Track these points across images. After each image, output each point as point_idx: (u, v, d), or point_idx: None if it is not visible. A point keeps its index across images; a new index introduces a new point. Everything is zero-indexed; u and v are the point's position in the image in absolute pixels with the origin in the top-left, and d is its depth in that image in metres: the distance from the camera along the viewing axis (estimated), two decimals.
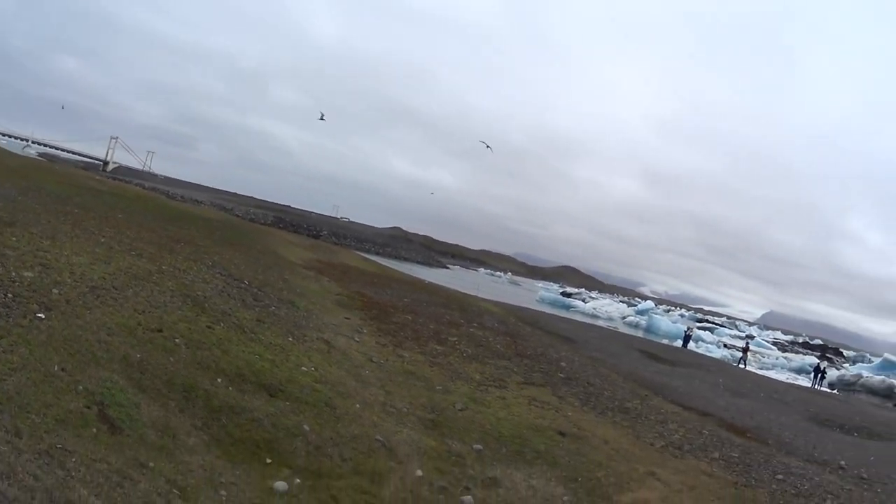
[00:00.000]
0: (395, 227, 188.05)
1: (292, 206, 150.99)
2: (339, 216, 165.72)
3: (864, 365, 79.08)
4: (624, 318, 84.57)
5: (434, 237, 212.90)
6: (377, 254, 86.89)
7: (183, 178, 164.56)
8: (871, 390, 51.55)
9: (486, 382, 14.80)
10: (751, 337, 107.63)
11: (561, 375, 17.72)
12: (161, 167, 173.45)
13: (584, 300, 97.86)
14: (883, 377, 56.65)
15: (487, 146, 38.35)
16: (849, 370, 65.62)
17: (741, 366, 45.42)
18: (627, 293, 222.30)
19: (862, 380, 54.15)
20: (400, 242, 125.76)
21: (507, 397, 14.10)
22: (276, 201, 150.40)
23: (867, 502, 13.19)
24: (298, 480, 7.38)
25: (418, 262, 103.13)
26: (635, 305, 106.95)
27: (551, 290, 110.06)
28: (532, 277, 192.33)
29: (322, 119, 40.36)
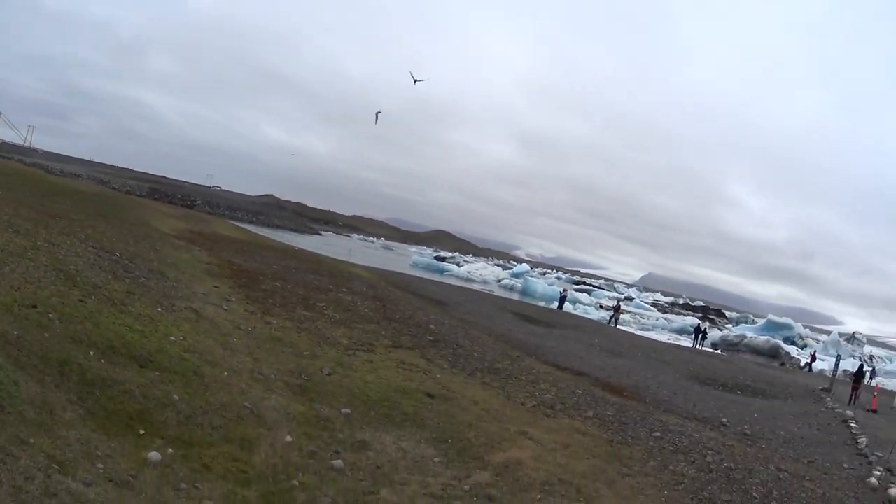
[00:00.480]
0: (267, 195, 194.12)
1: (168, 176, 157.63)
2: (211, 185, 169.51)
3: (748, 326, 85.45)
4: (499, 281, 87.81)
5: (307, 204, 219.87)
6: (250, 222, 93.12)
7: (64, 152, 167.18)
8: (756, 350, 55.41)
9: (353, 347, 15.58)
10: (630, 298, 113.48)
11: (430, 338, 18.56)
12: (42, 142, 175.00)
13: (458, 264, 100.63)
14: (768, 337, 61.17)
15: (378, 112, 38.54)
16: (732, 331, 70.38)
17: (612, 324, 47.96)
18: (502, 256, 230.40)
19: (746, 340, 58.16)
20: (272, 210, 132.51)
21: (375, 361, 14.85)
22: (153, 172, 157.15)
23: (750, 458, 14.18)
24: (171, 450, 7.86)
25: (291, 230, 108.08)
26: (511, 269, 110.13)
27: (425, 254, 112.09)
28: (406, 242, 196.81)
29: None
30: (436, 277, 63.76)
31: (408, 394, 13.01)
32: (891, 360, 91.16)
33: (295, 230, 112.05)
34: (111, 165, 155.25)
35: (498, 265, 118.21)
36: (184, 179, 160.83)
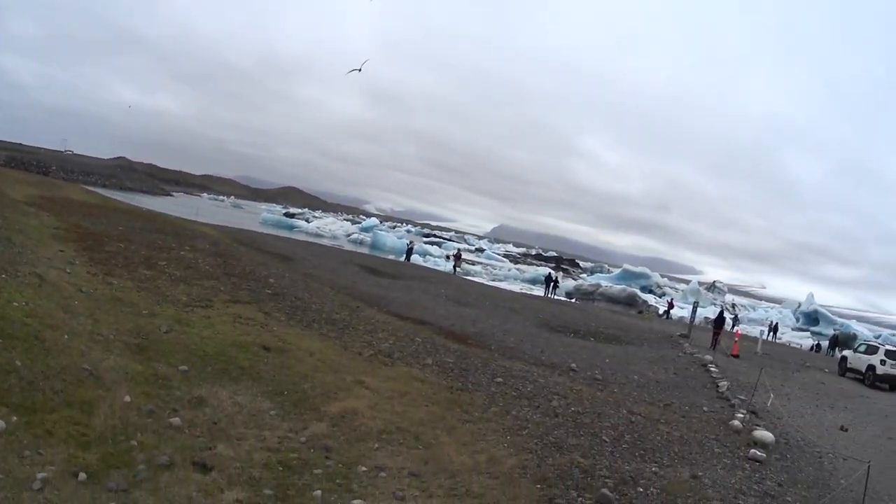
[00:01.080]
0: (120, 158, 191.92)
1: (24, 143, 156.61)
2: (64, 150, 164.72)
3: (603, 275, 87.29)
4: (349, 235, 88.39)
5: (158, 165, 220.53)
6: (103, 186, 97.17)
7: None
8: (612, 299, 56.82)
9: (192, 303, 15.50)
10: (480, 250, 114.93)
11: (269, 292, 18.32)
12: None
13: (307, 220, 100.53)
14: (624, 286, 62.76)
15: (359, 70, 35.53)
16: (587, 280, 71.74)
17: (455, 273, 48.04)
18: (352, 211, 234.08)
19: (601, 289, 59.46)
20: (125, 173, 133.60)
21: (212, 316, 14.76)
22: (9, 140, 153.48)
23: (600, 402, 14.35)
24: (15, 418, 7.87)
25: (143, 192, 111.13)
26: (360, 223, 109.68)
27: (274, 211, 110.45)
28: (255, 200, 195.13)
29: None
30: (284, 234, 63.68)
31: (244, 347, 12.90)
32: (753, 308, 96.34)
33: (147, 192, 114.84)
34: None
35: (347, 220, 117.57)
36: (39, 146, 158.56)
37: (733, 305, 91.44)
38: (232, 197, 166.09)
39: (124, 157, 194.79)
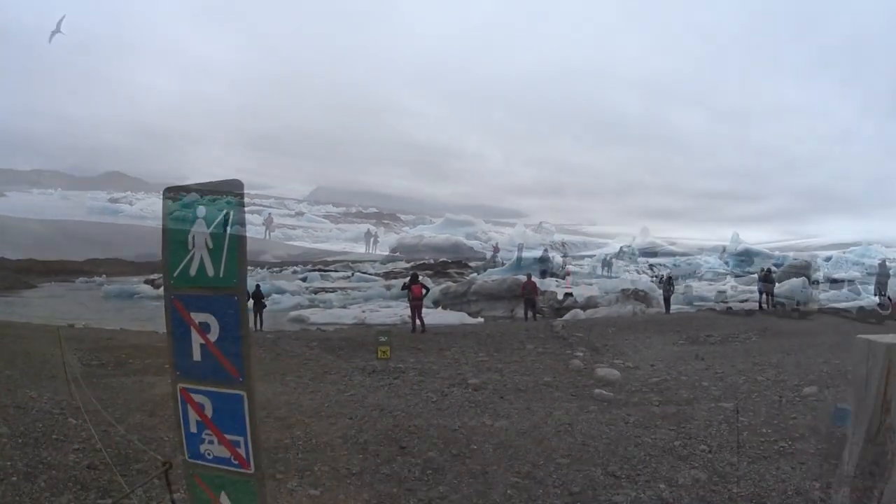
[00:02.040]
0: None
1: None
2: None
3: (426, 226, 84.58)
4: None
5: (36, 258, 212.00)
6: None
7: None
8: (491, 295, 50.21)
9: None
10: (301, 214, 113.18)
11: None
12: None
13: (160, 285, 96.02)
14: (503, 277, 56.80)
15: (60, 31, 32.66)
16: (409, 233, 68.09)
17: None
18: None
19: (475, 286, 53.93)
20: None
21: None
22: None
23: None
24: None
25: (5, 288, 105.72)
26: None
27: (133, 282, 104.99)
28: (140, 273, 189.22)
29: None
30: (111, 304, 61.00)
31: None
32: (675, 266, 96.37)
33: (7, 287, 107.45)
34: None
35: None
36: None
37: (563, 244, 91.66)
38: (104, 276, 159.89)
39: None
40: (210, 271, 3.15)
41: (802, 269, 63.75)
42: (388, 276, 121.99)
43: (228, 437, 3.23)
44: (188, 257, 3.18)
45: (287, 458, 9.29)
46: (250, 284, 30.76)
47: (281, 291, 75.80)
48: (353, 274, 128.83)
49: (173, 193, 3.34)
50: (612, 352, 18.99)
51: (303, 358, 19.06)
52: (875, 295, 36.52)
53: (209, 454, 3.31)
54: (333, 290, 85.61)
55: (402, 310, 45.51)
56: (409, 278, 27.30)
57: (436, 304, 52.00)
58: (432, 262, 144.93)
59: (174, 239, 3.25)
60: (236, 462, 3.24)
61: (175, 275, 3.30)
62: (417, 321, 25.14)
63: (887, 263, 38.31)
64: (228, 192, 3.07)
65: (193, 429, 3.36)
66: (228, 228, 3.04)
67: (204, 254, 3.13)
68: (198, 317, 3.20)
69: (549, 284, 55.66)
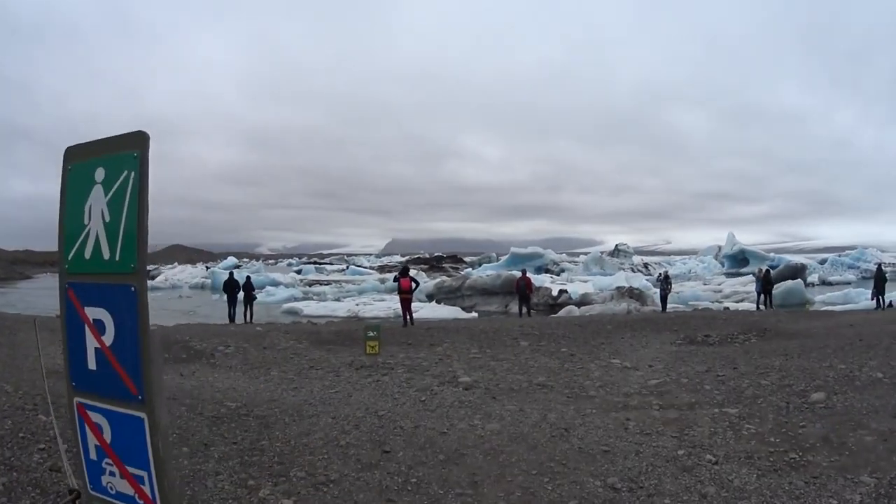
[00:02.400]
0: None
1: None
2: None
3: (490, 265, 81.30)
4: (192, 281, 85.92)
5: (34, 249, 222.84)
6: None
7: None
8: (486, 290, 50.77)
9: None
10: (345, 268, 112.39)
11: None
12: None
13: (153, 277, 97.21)
14: (497, 272, 55.82)
15: None
16: (469, 273, 65.13)
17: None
18: (245, 256, 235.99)
19: (469, 281, 53.39)
20: None
21: None
22: None
23: None
24: None
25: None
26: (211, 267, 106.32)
27: None
28: None
29: None
30: None
31: None
32: (671, 264, 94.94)
33: (2, 279, 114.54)
34: None
35: (208, 266, 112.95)
36: None
37: (646, 266, 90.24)
38: None
39: None
40: (106, 253, 2.43)
41: (798, 272, 63.10)
42: (382, 269, 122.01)
43: (130, 469, 2.50)
44: (83, 235, 2.45)
45: (262, 461, 8.61)
46: (240, 276, 30.01)
47: (275, 283, 75.51)
48: (347, 267, 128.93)
49: (75, 153, 2.59)
50: (609, 350, 18.31)
51: (290, 352, 18.35)
52: (871, 298, 35.86)
53: (112, 488, 2.58)
54: (328, 282, 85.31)
55: (396, 303, 45.16)
56: (399, 271, 26.59)
57: (430, 298, 51.69)
58: (427, 256, 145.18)
59: (71, 212, 2.51)
60: (141, 502, 2.50)
61: (69, 257, 2.56)
62: (407, 315, 24.48)
63: (883, 267, 37.58)
64: (130, 148, 2.33)
65: (93, 455, 2.62)
66: (127, 197, 2.31)
67: (100, 231, 2.41)
68: (92, 312, 2.48)
69: (544, 280, 55.18)
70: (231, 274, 29.82)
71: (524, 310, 31.39)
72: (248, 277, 29.11)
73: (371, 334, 16.51)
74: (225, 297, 28.36)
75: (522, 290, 31.20)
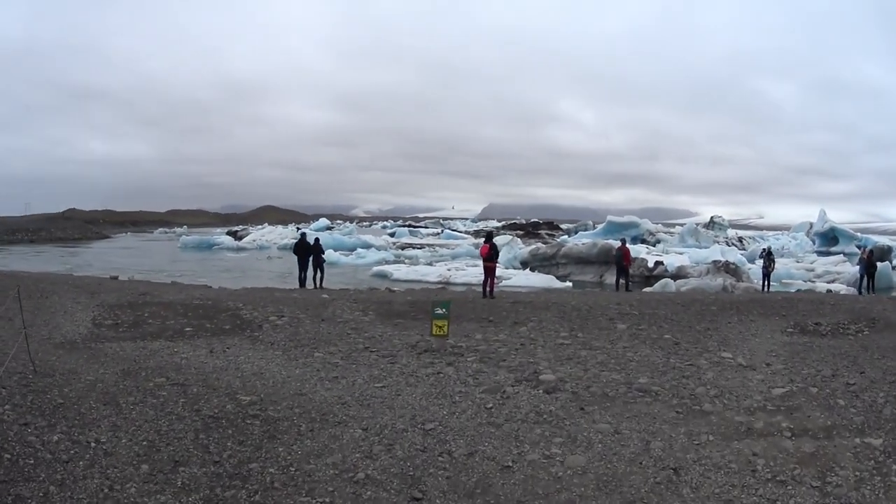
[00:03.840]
0: (70, 209, 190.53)
1: None
2: (22, 214, 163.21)
3: (587, 233, 78.76)
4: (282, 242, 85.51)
5: (115, 210, 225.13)
6: (31, 241, 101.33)
7: None
8: (581, 259, 47.84)
9: None
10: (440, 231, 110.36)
11: None
12: None
13: (238, 237, 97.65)
14: (593, 241, 52.79)
15: None
16: (564, 241, 62.47)
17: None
18: (339, 218, 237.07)
19: (565, 249, 50.07)
20: (56, 223, 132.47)
21: None
22: None
23: None
24: None
25: (73, 239, 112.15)
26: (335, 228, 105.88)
27: (215, 233, 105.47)
28: (226, 225, 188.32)
29: None
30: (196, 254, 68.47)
31: None
32: (763, 239, 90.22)
33: (77, 238, 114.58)
34: None
35: (298, 227, 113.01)
36: (2, 215, 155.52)
37: (740, 240, 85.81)
38: (185, 227, 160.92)
39: (74, 209, 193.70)
40: None
41: (885, 254, 57.42)
42: (477, 234, 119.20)
43: None
44: None
45: (236, 499, 6.06)
46: (310, 237, 27.73)
47: (367, 246, 73.98)
48: (442, 231, 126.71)
49: None
50: (717, 339, 15.00)
51: (349, 326, 15.85)
52: None
53: None
54: (421, 246, 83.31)
55: None
56: (484, 236, 23.79)
57: (524, 265, 49.61)
58: (523, 222, 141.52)
59: None
60: None
61: None
62: (488, 286, 21.73)
63: None
64: None
65: None
66: None
67: None
68: None
69: (640, 251, 52.43)
70: (303, 235, 27.52)
71: (621, 283, 28.22)
72: (317, 239, 26.63)
73: (439, 311, 13.71)
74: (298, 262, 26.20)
75: (619, 261, 27.99)
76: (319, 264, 25.53)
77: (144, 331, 15.06)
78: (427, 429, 8.29)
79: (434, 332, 13.52)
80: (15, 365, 10.35)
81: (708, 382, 10.87)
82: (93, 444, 7.43)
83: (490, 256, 22.00)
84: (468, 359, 12.48)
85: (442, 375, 11.07)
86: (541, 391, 10.22)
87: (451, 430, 8.31)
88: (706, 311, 18.58)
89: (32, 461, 6.89)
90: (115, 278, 27.95)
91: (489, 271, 22.04)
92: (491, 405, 9.39)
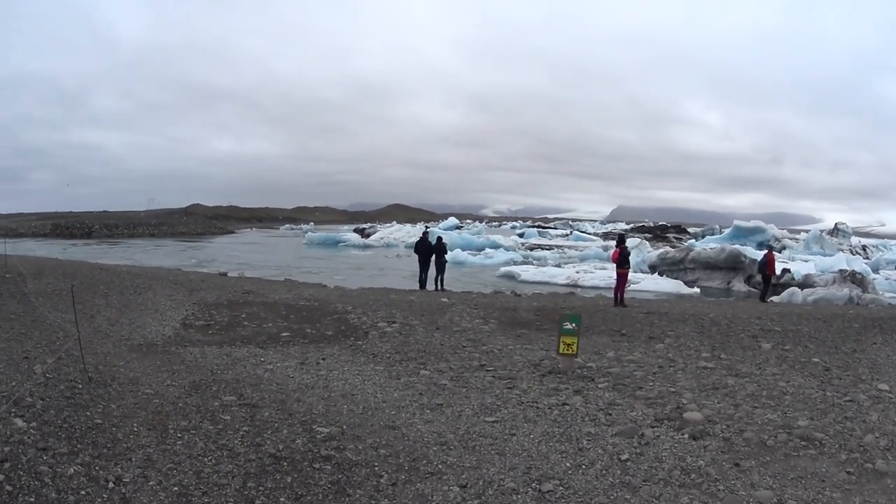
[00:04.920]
0: (194, 205, 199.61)
1: (109, 209, 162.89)
2: (146, 209, 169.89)
3: (713, 238, 75.49)
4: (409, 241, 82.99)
5: (239, 206, 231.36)
6: (151, 235, 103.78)
7: (9, 211, 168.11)
8: (710, 264, 44.88)
9: None
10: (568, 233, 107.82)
11: None
12: None
13: (365, 235, 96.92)
14: (722, 245, 49.15)
15: None
16: (692, 245, 59.41)
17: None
18: (468, 217, 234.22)
19: (692, 254, 46.93)
20: (178, 218, 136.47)
21: None
22: (95, 209, 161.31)
23: None
24: None
25: (195, 234, 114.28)
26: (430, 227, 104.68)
27: (342, 231, 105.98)
28: (352, 223, 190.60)
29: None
30: (317, 251, 68.62)
31: None
32: (888, 248, 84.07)
33: (200, 233, 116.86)
34: (57, 212, 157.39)
35: (427, 226, 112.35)
36: (127, 209, 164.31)
37: (864, 248, 79.39)
38: (311, 224, 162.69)
39: (198, 204, 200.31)
40: None
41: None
42: (606, 236, 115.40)
43: None
44: None
45: None
46: (432, 235, 25.97)
47: (495, 246, 72.12)
48: (571, 232, 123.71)
49: None
50: (866, 364, 12.16)
51: (466, 337, 13.95)
52: None
53: None
54: (549, 247, 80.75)
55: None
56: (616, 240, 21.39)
57: (652, 269, 47.98)
58: (651, 225, 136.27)
59: None
60: None
61: None
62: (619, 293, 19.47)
63: None
64: None
65: None
66: None
67: None
68: None
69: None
70: (425, 233, 25.85)
71: (764, 292, 25.47)
72: (440, 238, 24.74)
73: (568, 326, 11.58)
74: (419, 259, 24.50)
75: (763, 269, 25.01)
76: (441, 265, 23.71)
77: (236, 334, 13.69)
78: (544, 490, 6.21)
79: (561, 350, 11.39)
80: (71, 370, 9.04)
81: (875, 428, 8.26)
82: (111, 484, 5.80)
83: (622, 262, 19.71)
84: (599, 384, 10.31)
85: (568, 408, 8.94)
86: (686, 436, 7.93)
87: (575, 493, 6.20)
88: (849, 328, 15.79)
89: (33, 499, 5.31)
90: (224, 274, 27.21)
91: (621, 277, 19.73)
92: (626, 456, 7.18)
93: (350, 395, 9.19)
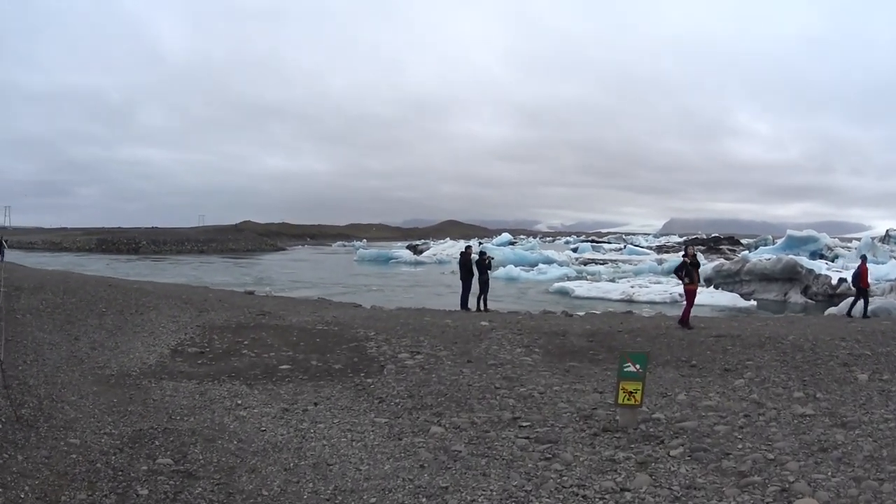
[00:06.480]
0: (244, 221, 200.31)
1: (159, 226, 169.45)
2: (192, 226, 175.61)
3: (766, 248, 72.25)
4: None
5: (291, 223, 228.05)
6: (199, 252, 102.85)
7: (54, 225, 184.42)
8: (766, 276, 42.80)
9: None
10: (622, 247, 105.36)
11: None
12: (31, 219, 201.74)
13: (418, 251, 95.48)
14: (777, 256, 47.32)
15: None
16: (747, 257, 56.45)
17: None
18: (522, 233, 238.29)
19: (748, 265, 44.71)
20: (228, 234, 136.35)
21: None
22: (143, 225, 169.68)
23: None
24: None
25: (246, 251, 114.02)
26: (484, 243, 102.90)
27: (395, 247, 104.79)
28: (406, 239, 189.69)
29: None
30: (372, 268, 68.39)
31: None
32: None
33: (248, 250, 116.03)
34: (103, 227, 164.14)
35: (480, 242, 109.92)
36: (177, 225, 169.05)
37: None
38: (364, 240, 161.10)
39: (249, 221, 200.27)
40: None
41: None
42: (660, 249, 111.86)
43: None
44: None
45: None
46: (475, 249, 23.35)
47: (549, 261, 69.40)
48: (624, 246, 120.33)
49: None
50: None
51: (502, 373, 11.30)
52: None
53: None
54: (603, 262, 77.70)
55: (672, 286, 38.82)
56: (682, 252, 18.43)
57: (708, 282, 45.02)
58: (705, 237, 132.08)
59: None
60: None
61: None
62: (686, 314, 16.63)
63: None
64: None
65: None
66: None
67: None
68: None
69: (821, 267, 46.69)
70: (467, 248, 23.25)
71: (863, 306, 21.99)
72: (482, 253, 21.99)
73: (629, 369, 8.83)
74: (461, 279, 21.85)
75: (856, 281, 21.81)
76: (484, 282, 20.95)
77: (227, 365, 11.31)
78: None
79: (621, 400, 8.63)
80: (7, 404, 7.15)
81: None
82: None
83: (689, 276, 16.77)
84: (672, 451, 7.49)
85: (629, 497, 6.20)
86: None
87: None
88: None
89: None
90: (251, 293, 25.15)
91: (690, 294, 16.83)
92: None
93: (324, 466, 6.67)
